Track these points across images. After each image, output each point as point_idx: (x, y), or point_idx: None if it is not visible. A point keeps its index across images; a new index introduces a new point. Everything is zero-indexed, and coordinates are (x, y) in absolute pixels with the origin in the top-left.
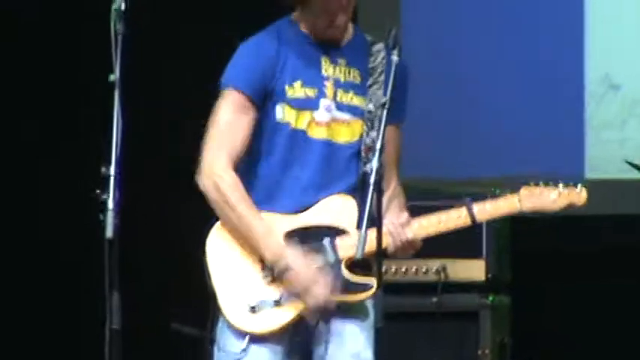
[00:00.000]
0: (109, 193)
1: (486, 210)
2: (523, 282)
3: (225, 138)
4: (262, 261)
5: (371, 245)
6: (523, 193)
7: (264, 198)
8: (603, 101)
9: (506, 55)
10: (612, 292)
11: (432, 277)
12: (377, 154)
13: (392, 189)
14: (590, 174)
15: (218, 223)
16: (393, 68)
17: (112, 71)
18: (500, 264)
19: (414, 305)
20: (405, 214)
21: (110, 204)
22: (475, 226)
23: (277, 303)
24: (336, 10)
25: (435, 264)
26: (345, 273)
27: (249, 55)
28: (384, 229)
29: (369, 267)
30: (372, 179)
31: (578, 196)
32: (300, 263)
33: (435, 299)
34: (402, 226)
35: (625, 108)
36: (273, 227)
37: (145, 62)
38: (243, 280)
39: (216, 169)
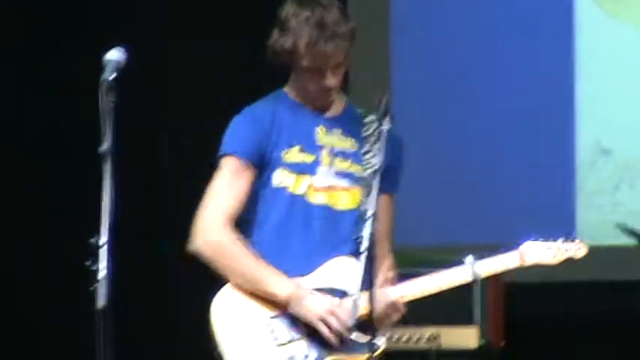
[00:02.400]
0: (99, 263)
1: (489, 266)
2: (516, 350)
3: (221, 200)
4: (269, 324)
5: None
6: (523, 249)
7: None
8: (594, 167)
9: (496, 123)
10: (605, 358)
11: (424, 344)
12: (369, 220)
13: (385, 262)
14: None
15: (221, 291)
16: (384, 135)
17: (101, 141)
18: (492, 331)
19: None
20: (386, 278)
21: (101, 274)
22: (468, 293)
23: None
24: (324, 69)
25: (427, 331)
26: (354, 334)
27: (244, 122)
28: (365, 296)
29: (376, 328)
30: (363, 246)
31: (577, 250)
32: (314, 293)
33: None
34: (382, 291)
35: (616, 173)
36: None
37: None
38: (253, 344)
39: (209, 227)
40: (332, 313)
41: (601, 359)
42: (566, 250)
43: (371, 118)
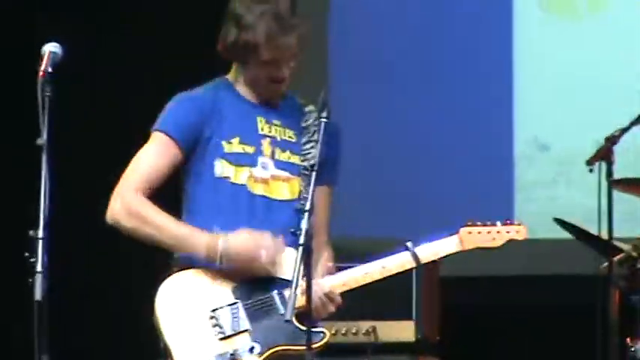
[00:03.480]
0: (37, 255)
1: (429, 252)
2: (452, 342)
3: (140, 171)
4: (213, 317)
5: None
6: (463, 233)
7: None
8: (532, 161)
9: (436, 118)
10: (542, 353)
11: (362, 338)
12: (306, 215)
13: (320, 249)
14: None
15: (163, 284)
16: (321, 129)
17: (39, 134)
18: (429, 324)
19: None
20: (326, 268)
21: (39, 266)
22: (404, 287)
23: (233, 357)
24: (281, 61)
25: (365, 325)
26: (297, 323)
27: (182, 104)
28: (299, 289)
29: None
30: (300, 240)
31: (518, 232)
32: (235, 238)
33: None
34: (318, 283)
35: (554, 168)
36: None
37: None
38: (197, 337)
39: (126, 196)
40: (259, 245)
41: (537, 352)
42: (507, 232)
43: (311, 108)
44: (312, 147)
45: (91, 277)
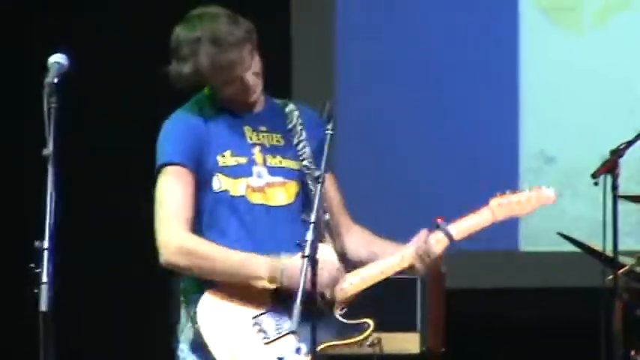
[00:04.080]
0: (42, 266)
1: (462, 227)
2: (457, 355)
3: (172, 209)
4: (256, 324)
5: (356, 286)
6: (493, 204)
7: None
8: (538, 174)
9: (440, 129)
10: None
11: (367, 350)
12: (311, 227)
13: (354, 228)
14: (524, 247)
15: (201, 300)
16: (327, 142)
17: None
18: (434, 336)
19: None
20: (424, 231)
21: (44, 277)
22: (410, 299)
23: None
24: (236, 76)
25: (369, 337)
26: (341, 318)
27: (177, 129)
28: (414, 253)
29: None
30: (306, 251)
31: (547, 196)
32: (294, 261)
33: None
34: (428, 243)
35: (559, 180)
36: None
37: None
38: (243, 345)
39: (174, 237)
40: (321, 269)
41: None
42: (537, 198)
43: (290, 107)
44: (304, 147)
45: (97, 287)
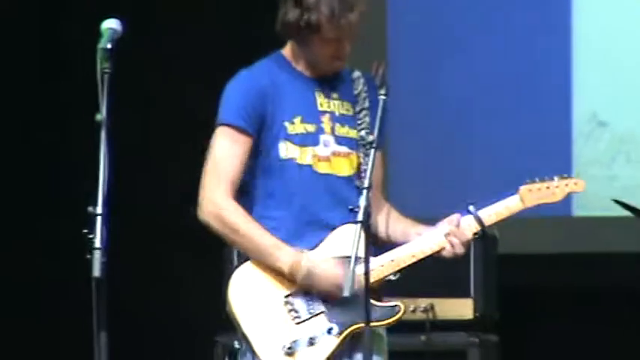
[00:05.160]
0: (96, 232)
1: (492, 213)
2: (511, 320)
3: (221, 170)
4: (287, 303)
5: (387, 268)
6: (523, 191)
7: (285, 238)
8: (591, 138)
9: (493, 93)
10: (601, 332)
11: (419, 315)
12: (364, 193)
13: (386, 206)
14: (577, 212)
15: (236, 272)
16: (380, 107)
17: (98, 110)
18: (488, 302)
19: (402, 344)
20: (456, 216)
21: (97, 243)
22: (463, 265)
23: (311, 342)
24: (343, 39)
25: (422, 302)
26: (371, 300)
27: (242, 87)
28: (443, 232)
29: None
30: (359, 217)
31: (576, 184)
32: (319, 263)
33: (423, 338)
34: (459, 227)
35: (613, 145)
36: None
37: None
38: (274, 323)
39: (216, 200)
40: (340, 278)
41: (596, 333)
42: (566, 185)
43: (357, 74)
44: (365, 115)
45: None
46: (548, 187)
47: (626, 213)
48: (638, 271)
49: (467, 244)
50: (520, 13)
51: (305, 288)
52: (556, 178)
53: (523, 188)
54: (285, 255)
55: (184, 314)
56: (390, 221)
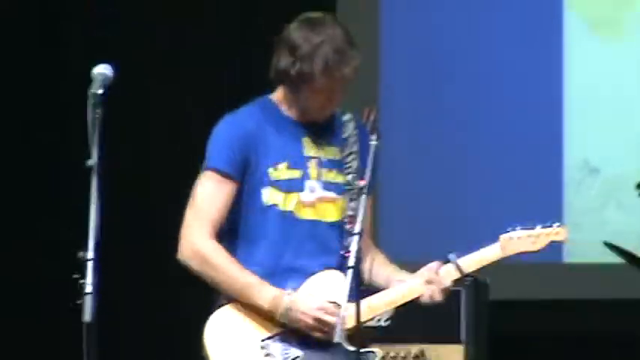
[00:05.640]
0: (86, 277)
1: (472, 262)
2: None
3: (203, 212)
4: (263, 347)
5: (365, 314)
6: (503, 240)
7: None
8: (582, 185)
9: (485, 140)
10: None
11: None
12: (356, 237)
13: (371, 250)
14: (568, 258)
15: (214, 314)
16: (371, 152)
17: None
18: (479, 349)
19: None
20: (435, 263)
21: (88, 288)
22: (454, 310)
23: None
24: (336, 88)
25: (413, 349)
26: (348, 346)
27: (228, 132)
28: (422, 280)
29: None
30: (350, 262)
31: (557, 233)
32: (300, 301)
33: None
34: (438, 274)
35: (604, 191)
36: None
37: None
38: None
39: (195, 239)
40: (322, 309)
41: None
42: (547, 235)
43: (348, 117)
44: (353, 159)
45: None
46: (529, 236)
47: (617, 260)
48: (629, 318)
49: (446, 292)
50: (512, 60)
51: (284, 325)
52: (538, 227)
53: (503, 237)
54: (266, 292)
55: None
56: (374, 267)
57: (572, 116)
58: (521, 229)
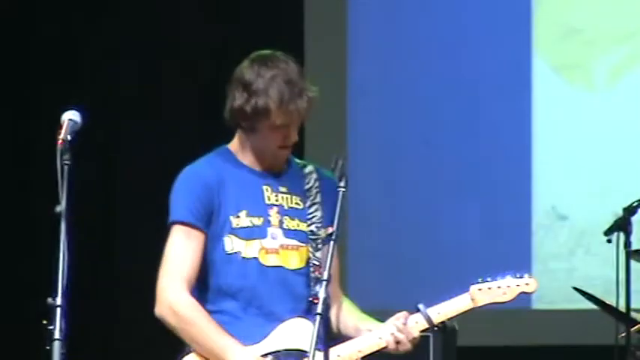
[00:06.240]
0: (55, 323)
1: (441, 312)
2: None
3: (175, 267)
4: None
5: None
6: (473, 291)
7: (235, 331)
8: (550, 231)
9: (454, 187)
10: None
11: None
12: (324, 285)
13: (339, 297)
14: (536, 304)
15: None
16: (339, 199)
17: (58, 202)
18: None
19: None
20: (403, 313)
21: (57, 334)
22: (423, 357)
23: None
24: (291, 126)
25: None
26: None
27: (189, 183)
28: (390, 330)
29: None
30: (318, 309)
31: (527, 284)
32: None
33: None
34: (407, 325)
35: (572, 238)
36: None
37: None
38: None
39: (170, 296)
40: None
41: None
42: (517, 286)
43: (310, 168)
44: (316, 210)
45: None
46: (499, 287)
47: (586, 305)
48: None
49: (414, 342)
50: (482, 107)
51: None
52: (508, 277)
53: (473, 287)
54: (238, 355)
55: None
56: (341, 315)
57: (541, 163)
58: (491, 279)
